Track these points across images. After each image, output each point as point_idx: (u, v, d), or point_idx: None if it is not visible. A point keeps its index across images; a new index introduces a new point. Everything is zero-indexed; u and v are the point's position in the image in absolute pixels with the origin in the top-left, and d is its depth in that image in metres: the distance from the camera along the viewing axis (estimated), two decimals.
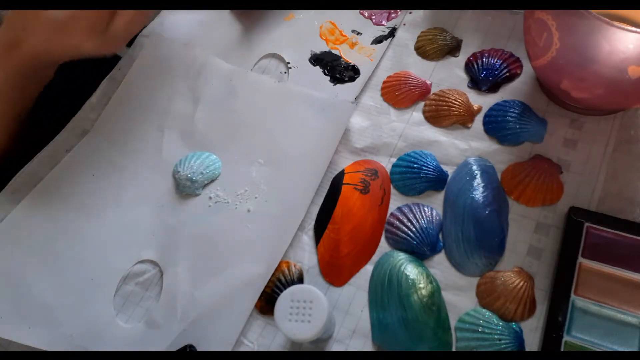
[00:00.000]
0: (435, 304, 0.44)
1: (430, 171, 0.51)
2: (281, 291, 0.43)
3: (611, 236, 0.45)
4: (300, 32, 0.63)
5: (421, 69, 0.58)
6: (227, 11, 0.65)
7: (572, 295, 0.43)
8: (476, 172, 0.50)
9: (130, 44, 0.66)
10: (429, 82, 0.57)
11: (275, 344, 0.46)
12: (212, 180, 0.53)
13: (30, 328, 0.47)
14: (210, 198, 0.52)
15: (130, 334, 0.47)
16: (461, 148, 0.53)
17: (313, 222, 0.51)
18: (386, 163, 0.53)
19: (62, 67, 0.59)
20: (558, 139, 0.51)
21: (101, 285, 0.49)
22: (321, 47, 0.62)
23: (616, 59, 0.41)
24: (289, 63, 0.61)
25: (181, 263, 0.49)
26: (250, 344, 0.46)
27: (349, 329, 0.46)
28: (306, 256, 0.49)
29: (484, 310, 0.44)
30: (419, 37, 0.60)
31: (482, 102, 0.55)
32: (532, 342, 0.43)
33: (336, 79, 0.59)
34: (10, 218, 0.53)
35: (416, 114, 0.56)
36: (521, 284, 0.44)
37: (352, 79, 0.59)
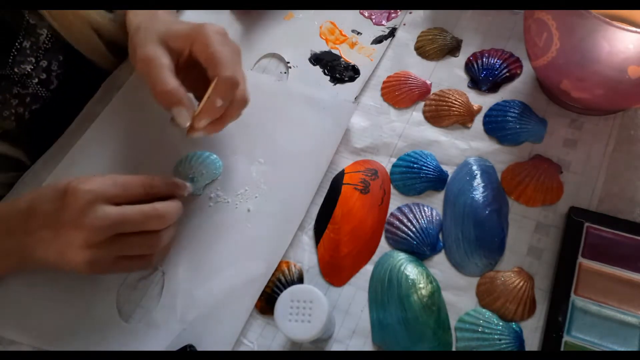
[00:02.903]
0: (435, 304, 0.44)
1: (430, 171, 0.51)
2: (281, 291, 0.43)
3: (611, 236, 0.45)
4: (300, 32, 0.63)
5: (421, 69, 0.58)
6: (227, 11, 0.65)
7: (572, 295, 0.43)
8: (476, 172, 0.50)
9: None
10: (429, 82, 0.57)
11: (275, 344, 0.46)
12: (213, 180, 0.53)
13: (31, 327, 0.47)
14: (210, 198, 0.52)
15: (130, 333, 0.47)
16: (461, 148, 0.53)
17: (313, 222, 0.51)
18: (386, 163, 0.53)
19: (62, 69, 0.59)
20: (558, 139, 0.51)
21: (102, 285, 0.49)
22: (321, 46, 0.62)
23: (616, 59, 0.41)
24: (288, 63, 0.61)
25: (181, 263, 0.49)
26: (250, 344, 0.46)
27: (349, 329, 0.46)
28: (306, 256, 0.49)
29: (484, 310, 0.44)
30: (419, 37, 0.60)
31: (482, 102, 0.55)
32: (532, 342, 0.43)
33: (336, 79, 0.59)
34: None
35: (416, 114, 0.56)
36: (521, 284, 0.44)
37: (352, 79, 0.59)
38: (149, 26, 0.49)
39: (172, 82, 0.45)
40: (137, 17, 0.52)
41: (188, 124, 0.46)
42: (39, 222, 0.43)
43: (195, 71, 0.48)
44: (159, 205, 0.44)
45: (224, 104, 0.46)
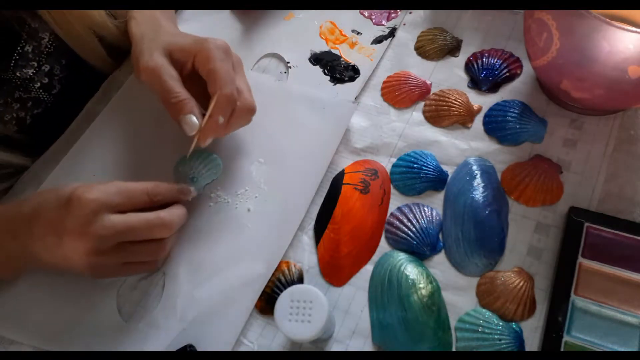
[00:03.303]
0: (435, 304, 0.44)
1: (430, 171, 0.51)
2: (281, 291, 0.43)
3: (611, 236, 0.45)
4: (300, 32, 0.63)
5: (421, 69, 0.58)
6: (227, 11, 0.66)
7: (572, 295, 0.43)
8: (476, 172, 0.50)
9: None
10: (429, 82, 0.57)
11: (275, 344, 0.46)
12: (213, 180, 0.53)
13: (31, 328, 0.47)
14: (210, 198, 0.52)
15: (131, 333, 0.47)
16: (461, 148, 0.53)
17: (313, 222, 0.51)
18: (386, 163, 0.53)
19: (65, 73, 0.59)
20: (558, 139, 0.51)
21: (102, 285, 0.49)
22: (321, 46, 0.62)
23: (616, 59, 0.41)
24: (288, 63, 0.61)
25: (182, 263, 0.49)
26: (250, 344, 0.46)
27: (349, 329, 0.46)
28: (306, 256, 0.49)
29: (484, 310, 0.44)
30: (419, 37, 0.60)
31: (482, 102, 0.55)
32: (532, 342, 0.43)
33: (336, 79, 0.59)
34: None
35: (416, 114, 0.56)
36: (521, 284, 0.44)
37: (352, 79, 0.59)
38: (154, 37, 0.50)
39: (183, 92, 0.47)
40: (139, 27, 0.52)
41: (195, 130, 0.46)
42: (43, 228, 0.43)
43: (198, 82, 0.49)
44: (164, 214, 0.45)
45: (225, 119, 0.47)
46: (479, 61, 0.56)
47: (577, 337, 0.42)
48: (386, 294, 0.45)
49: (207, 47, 0.47)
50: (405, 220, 0.49)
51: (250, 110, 0.50)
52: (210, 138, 0.47)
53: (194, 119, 0.46)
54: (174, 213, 0.46)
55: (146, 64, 0.47)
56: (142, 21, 0.53)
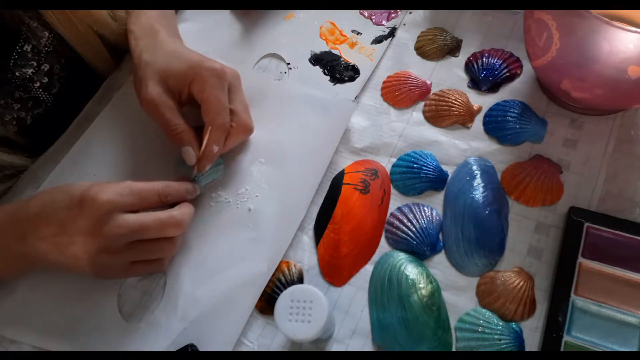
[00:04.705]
0: (435, 304, 0.44)
1: (430, 171, 0.51)
2: (281, 291, 0.43)
3: (611, 236, 0.45)
4: (300, 32, 0.63)
5: (421, 69, 0.58)
6: (227, 11, 0.66)
7: (572, 295, 0.43)
8: (476, 172, 0.50)
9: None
10: (429, 82, 0.57)
11: (275, 344, 0.46)
12: (214, 179, 0.53)
13: (31, 327, 0.47)
14: (211, 197, 0.52)
15: (132, 333, 0.47)
16: (461, 148, 0.53)
17: (313, 222, 0.51)
18: (386, 163, 0.53)
19: (64, 72, 0.59)
20: (558, 139, 0.51)
21: (103, 285, 0.49)
22: (321, 46, 0.62)
23: (616, 59, 0.41)
24: (289, 64, 0.61)
25: (183, 262, 0.49)
26: (250, 344, 0.46)
27: (349, 329, 0.46)
28: (306, 256, 0.49)
29: (484, 310, 0.44)
30: (419, 37, 0.60)
31: (482, 102, 0.55)
32: (532, 342, 0.43)
33: (336, 79, 0.59)
34: None
35: (416, 114, 0.56)
36: (521, 284, 0.44)
37: (352, 79, 0.59)
38: (152, 59, 0.50)
39: (180, 123, 0.49)
40: (138, 43, 0.53)
41: (194, 161, 0.49)
42: (53, 229, 0.43)
43: (198, 104, 0.50)
44: (175, 213, 0.45)
45: (220, 147, 0.49)
46: (479, 61, 0.57)
47: (577, 337, 0.42)
48: (386, 294, 0.45)
49: (201, 74, 0.49)
50: (405, 220, 0.49)
51: (246, 131, 0.52)
52: (209, 164, 0.50)
53: (192, 150, 0.49)
54: (184, 212, 0.46)
55: (145, 96, 0.49)
56: (141, 35, 0.53)
